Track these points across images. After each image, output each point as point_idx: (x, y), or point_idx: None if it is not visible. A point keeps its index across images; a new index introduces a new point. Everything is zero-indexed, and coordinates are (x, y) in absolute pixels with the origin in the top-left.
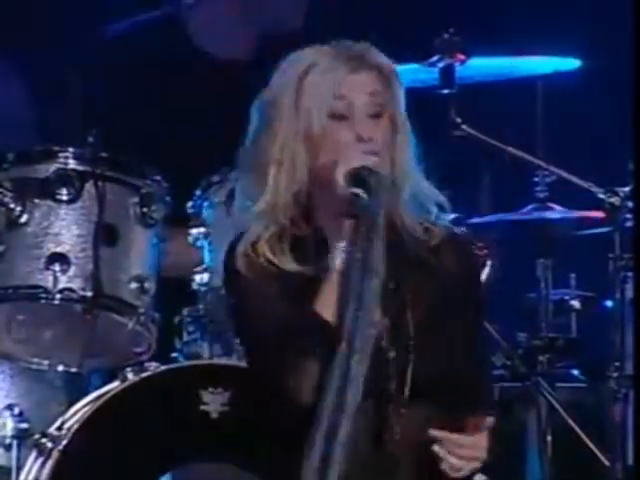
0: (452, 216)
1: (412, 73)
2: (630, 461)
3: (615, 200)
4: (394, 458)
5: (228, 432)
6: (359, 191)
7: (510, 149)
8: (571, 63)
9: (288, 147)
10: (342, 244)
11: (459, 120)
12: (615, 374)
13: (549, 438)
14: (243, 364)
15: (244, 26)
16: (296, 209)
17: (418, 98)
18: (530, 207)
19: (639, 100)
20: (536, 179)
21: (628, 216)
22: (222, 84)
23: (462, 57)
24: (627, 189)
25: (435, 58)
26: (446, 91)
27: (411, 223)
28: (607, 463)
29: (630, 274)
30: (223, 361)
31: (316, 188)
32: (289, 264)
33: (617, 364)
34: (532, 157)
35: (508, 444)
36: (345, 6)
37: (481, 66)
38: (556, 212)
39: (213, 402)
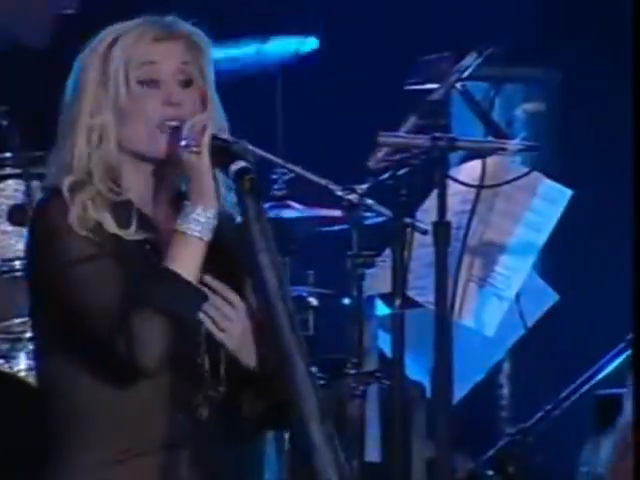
0: None
1: None
2: (368, 458)
3: (353, 197)
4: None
5: None
6: (244, 164)
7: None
8: (311, 43)
9: (98, 116)
10: (193, 211)
11: None
12: (353, 371)
13: (286, 435)
14: None
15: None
16: (109, 175)
17: None
18: (268, 205)
19: (639, 99)
20: (274, 176)
21: (366, 214)
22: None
23: None
24: (364, 186)
25: None
26: None
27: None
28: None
29: (367, 271)
30: None
31: (125, 156)
32: (113, 229)
33: (355, 361)
34: (269, 154)
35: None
36: None
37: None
38: (294, 210)
39: None
